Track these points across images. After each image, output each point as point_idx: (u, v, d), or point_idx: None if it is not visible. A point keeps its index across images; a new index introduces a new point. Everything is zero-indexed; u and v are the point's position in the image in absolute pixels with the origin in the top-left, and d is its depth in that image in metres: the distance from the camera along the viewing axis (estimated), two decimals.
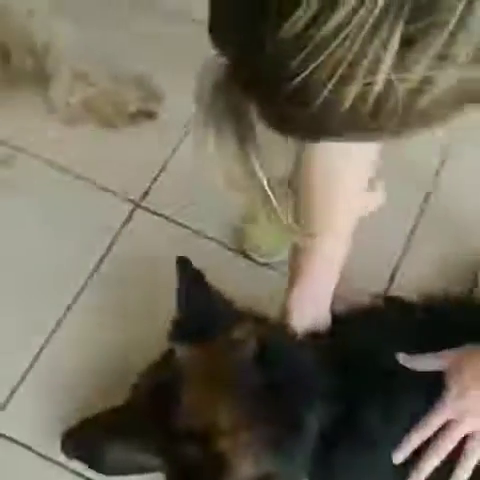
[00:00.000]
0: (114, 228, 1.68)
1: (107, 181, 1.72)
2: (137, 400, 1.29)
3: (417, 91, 0.58)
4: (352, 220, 1.27)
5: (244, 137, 0.70)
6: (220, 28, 0.63)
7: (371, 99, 0.58)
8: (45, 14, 1.66)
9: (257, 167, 0.72)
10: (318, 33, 0.55)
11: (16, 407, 1.48)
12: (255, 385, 1.17)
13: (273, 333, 1.25)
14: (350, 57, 0.56)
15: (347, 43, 0.55)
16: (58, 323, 1.56)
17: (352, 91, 0.57)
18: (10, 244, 1.63)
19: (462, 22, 0.55)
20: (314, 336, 1.27)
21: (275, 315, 1.30)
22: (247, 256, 1.65)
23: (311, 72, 0.57)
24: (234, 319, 1.27)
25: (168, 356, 1.28)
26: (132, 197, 1.72)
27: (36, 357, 1.52)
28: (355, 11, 0.54)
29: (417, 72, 0.57)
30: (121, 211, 1.70)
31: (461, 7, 0.54)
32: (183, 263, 1.34)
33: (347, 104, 0.58)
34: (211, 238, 1.69)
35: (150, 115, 1.81)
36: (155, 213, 1.71)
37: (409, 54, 0.56)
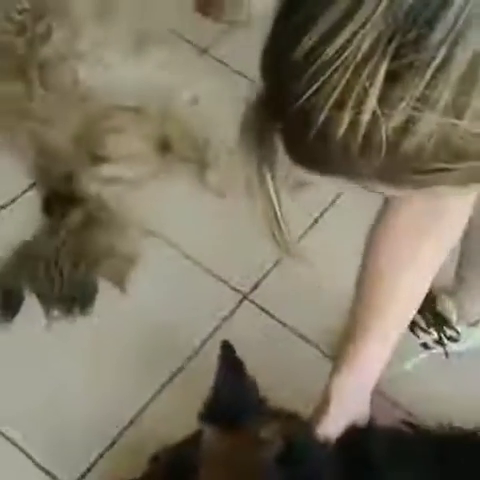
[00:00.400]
0: (220, 316, 1.75)
1: (222, 268, 1.82)
2: (155, 473, 1.32)
3: (401, 131, 0.63)
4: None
5: (263, 159, 0.75)
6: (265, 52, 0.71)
7: (360, 132, 0.63)
8: (209, 101, 1.79)
9: (271, 190, 0.77)
10: (320, 58, 0.62)
11: None
12: None
13: (300, 436, 1.24)
14: (343, 84, 0.62)
15: (341, 70, 0.61)
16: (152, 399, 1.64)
17: (345, 118, 0.62)
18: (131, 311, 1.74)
19: (443, 65, 0.60)
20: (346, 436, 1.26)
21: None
22: None
23: (311, 95, 0.63)
24: (264, 414, 1.29)
25: (197, 436, 1.29)
26: (242, 288, 1.80)
27: None
28: (349, 42, 0.60)
29: (401, 110, 0.61)
30: (230, 300, 1.78)
31: (444, 50, 0.59)
32: (226, 348, 1.36)
33: (340, 131, 0.63)
34: (310, 342, 1.72)
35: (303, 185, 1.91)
36: (261, 308, 1.78)
37: (394, 90, 0.61)
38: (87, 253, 1.73)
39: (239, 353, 1.64)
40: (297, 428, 1.26)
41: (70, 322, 1.70)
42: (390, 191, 0.76)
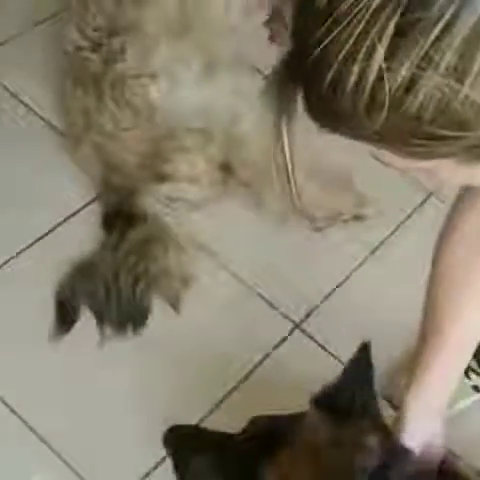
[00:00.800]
0: (270, 343, 1.75)
1: (275, 295, 1.82)
2: (247, 432, 1.34)
3: (404, 89, 0.66)
4: None
5: (282, 112, 0.79)
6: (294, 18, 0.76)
7: (367, 86, 0.67)
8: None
9: (286, 146, 0.81)
10: (339, 7, 0.66)
11: None
12: None
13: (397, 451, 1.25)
14: (355, 35, 0.66)
15: (355, 21, 0.66)
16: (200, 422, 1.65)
17: (354, 70, 0.66)
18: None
19: (448, 25, 0.63)
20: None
21: None
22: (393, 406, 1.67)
23: (327, 45, 0.68)
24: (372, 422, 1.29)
25: (300, 415, 1.31)
26: (294, 317, 1.79)
27: None
28: None
29: (405, 67, 0.65)
30: (281, 328, 1.78)
31: (451, 10, 0.63)
32: (366, 347, 1.34)
33: (350, 84, 0.67)
34: None
35: (360, 218, 1.91)
36: (312, 338, 1.78)
37: (400, 47, 0.65)
38: (146, 273, 1.73)
39: (288, 381, 1.66)
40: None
41: (122, 340, 1.71)
42: (398, 161, 0.77)
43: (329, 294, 1.83)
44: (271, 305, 1.81)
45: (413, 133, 0.70)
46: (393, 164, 0.79)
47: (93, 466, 1.57)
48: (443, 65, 0.64)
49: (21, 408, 1.63)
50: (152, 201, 1.81)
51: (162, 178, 1.80)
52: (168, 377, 1.67)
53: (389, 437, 1.27)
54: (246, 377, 1.71)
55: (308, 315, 1.81)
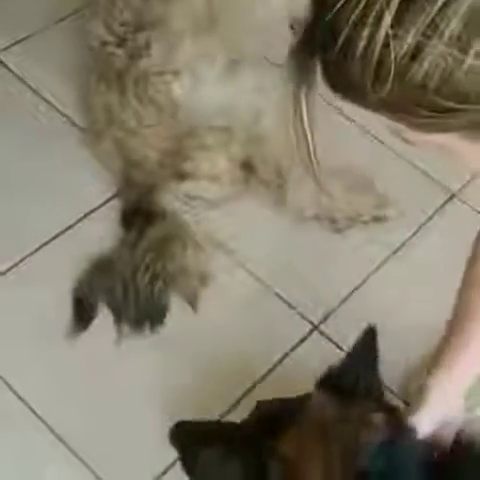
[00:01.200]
0: (289, 344, 1.74)
1: (294, 295, 1.81)
2: (252, 418, 1.35)
3: (409, 57, 0.68)
4: None
5: (301, 81, 0.81)
6: None
7: (376, 52, 0.69)
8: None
9: (305, 115, 0.83)
10: None
11: None
12: (359, 468, 1.20)
13: (402, 429, 1.26)
14: (364, 0, 0.69)
15: None
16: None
17: (363, 35, 0.69)
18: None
19: None
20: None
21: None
22: None
23: (339, 9, 0.70)
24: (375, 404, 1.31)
25: (305, 397, 1.32)
26: (312, 318, 1.78)
27: None
28: None
29: (412, 34, 0.67)
30: (299, 329, 1.77)
31: None
32: (371, 331, 1.37)
33: (359, 48, 0.70)
34: None
35: (380, 219, 1.90)
36: (330, 340, 1.77)
37: (407, 13, 0.67)
38: (164, 271, 1.72)
39: (306, 381, 1.65)
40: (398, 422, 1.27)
41: (140, 338, 1.71)
42: (410, 134, 0.79)
43: (348, 295, 1.82)
44: (289, 305, 1.80)
45: (419, 103, 0.72)
46: (407, 138, 0.81)
47: (109, 464, 1.57)
48: (447, 34, 0.66)
49: (38, 405, 1.63)
50: (171, 199, 1.80)
51: (183, 176, 1.80)
52: (186, 376, 1.67)
53: (394, 416, 1.28)
54: (264, 377, 1.70)
55: (326, 316, 1.80)
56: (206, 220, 1.84)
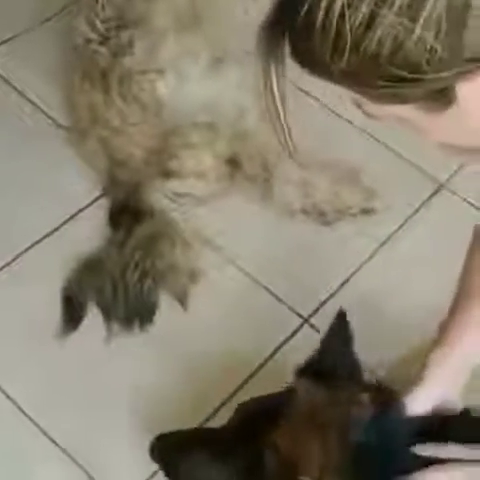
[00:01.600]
0: (280, 338, 1.75)
1: (284, 290, 1.81)
2: (235, 419, 1.34)
3: (363, 27, 0.72)
4: None
5: (270, 57, 0.84)
6: None
7: (333, 24, 0.73)
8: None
9: (275, 87, 0.85)
10: None
11: None
12: (353, 442, 1.21)
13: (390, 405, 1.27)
14: None
15: None
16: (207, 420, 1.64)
17: (322, 7, 0.73)
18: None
19: None
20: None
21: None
22: None
23: None
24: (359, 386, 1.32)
25: (286, 392, 1.33)
26: (302, 312, 1.79)
27: None
28: None
29: (365, 4, 0.71)
30: (290, 323, 1.77)
31: None
32: (342, 316, 1.40)
33: (319, 19, 0.73)
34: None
35: (368, 212, 1.91)
36: (320, 332, 1.77)
37: None
38: (153, 269, 1.72)
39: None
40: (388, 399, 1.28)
41: (129, 337, 1.71)
42: (371, 106, 0.83)
43: (338, 288, 1.82)
44: (279, 299, 1.81)
45: (375, 73, 0.75)
46: (369, 112, 0.85)
47: (99, 463, 1.57)
48: (398, 3, 0.70)
49: (27, 405, 1.63)
50: (158, 197, 1.80)
51: (168, 174, 1.80)
52: (177, 374, 1.67)
53: (380, 394, 1.29)
54: (256, 371, 1.71)
55: (316, 309, 1.80)
56: (194, 217, 1.84)
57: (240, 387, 1.68)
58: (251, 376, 1.70)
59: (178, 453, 1.34)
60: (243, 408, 1.36)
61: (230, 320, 1.75)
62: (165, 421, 1.55)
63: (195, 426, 1.58)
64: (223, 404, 1.65)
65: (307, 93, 2.03)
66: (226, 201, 1.90)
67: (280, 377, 1.67)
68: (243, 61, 1.86)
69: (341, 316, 1.39)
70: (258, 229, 1.90)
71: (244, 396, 1.65)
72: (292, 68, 0.83)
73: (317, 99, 2.06)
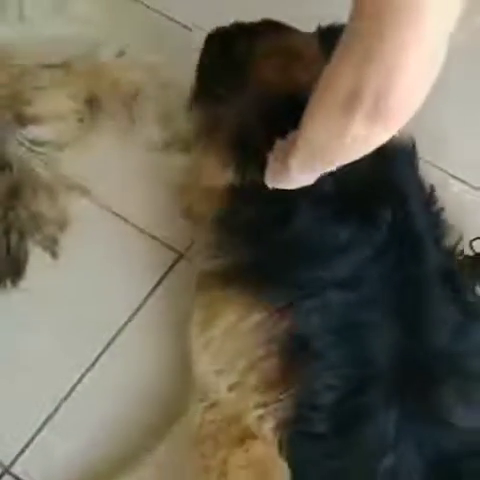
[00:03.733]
0: (157, 274, 1.74)
1: (156, 226, 1.80)
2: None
3: None
4: None
5: None
6: None
7: None
8: (136, 51, 1.72)
9: None
10: None
11: None
12: None
13: None
14: None
15: None
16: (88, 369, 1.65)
17: None
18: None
19: None
20: None
21: None
22: None
23: None
24: None
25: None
26: (177, 247, 1.78)
27: None
28: None
29: None
30: (166, 258, 1.77)
31: None
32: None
33: None
34: None
35: None
36: None
37: None
38: (18, 221, 1.66)
39: (177, 306, 1.66)
40: None
41: (3, 294, 1.66)
42: None
43: None
44: (154, 237, 1.78)
45: None
46: None
47: None
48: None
49: None
50: (16, 146, 1.72)
51: (25, 120, 1.71)
52: (51, 326, 1.66)
53: None
54: (137, 310, 1.70)
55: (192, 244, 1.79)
56: (56, 162, 1.77)
57: (122, 328, 1.68)
58: (133, 315, 1.69)
59: None
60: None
61: (104, 264, 1.73)
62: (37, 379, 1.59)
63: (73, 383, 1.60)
64: (106, 349, 1.66)
65: None
66: (89, 142, 1.82)
67: (164, 311, 1.68)
68: None
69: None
70: (124, 168, 1.84)
71: (129, 337, 1.65)
72: None
73: None
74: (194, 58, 1.67)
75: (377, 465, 1.29)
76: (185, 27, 1.99)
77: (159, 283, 1.74)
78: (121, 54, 1.76)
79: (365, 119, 1.01)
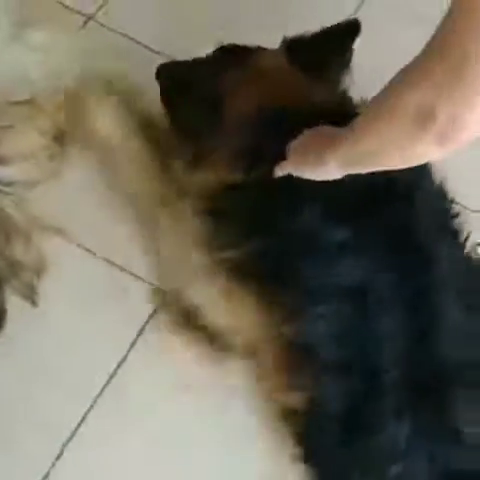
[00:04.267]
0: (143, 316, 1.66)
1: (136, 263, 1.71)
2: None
3: None
4: None
5: None
6: None
7: None
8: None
9: None
10: None
11: None
12: None
13: None
14: None
15: None
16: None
17: None
18: None
19: None
20: None
21: None
22: None
23: None
24: None
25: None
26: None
27: None
28: None
29: None
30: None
31: None
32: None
33: None
34: None
35: None
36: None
37: None
38: None
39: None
40: None
41: None
42: None
43: None
44: (135, 275, 1.70)
45: None
46: None
47: None
48: None
49: None
50: None
51: None
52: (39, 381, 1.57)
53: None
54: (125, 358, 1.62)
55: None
56: (26, 202, 1.66)
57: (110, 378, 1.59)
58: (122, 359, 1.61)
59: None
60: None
61: (87, 307, 1.64)
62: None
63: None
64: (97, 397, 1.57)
65: None
66: (60, 178, 1.72)
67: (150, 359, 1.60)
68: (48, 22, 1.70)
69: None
70: (99, 201, 1.74)
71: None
72: None
73: None
74: None
75: (386, 471, 1.30)
76: (149, 49, 1.92)
77: (147, 322, 1.65)
78: (86, 81, 1.67)
79: (434, 138, 0.97)
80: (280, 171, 1.38)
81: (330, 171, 1.24)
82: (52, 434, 1.53)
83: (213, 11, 1.89)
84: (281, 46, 1.56)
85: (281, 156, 1.36)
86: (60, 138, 1.67)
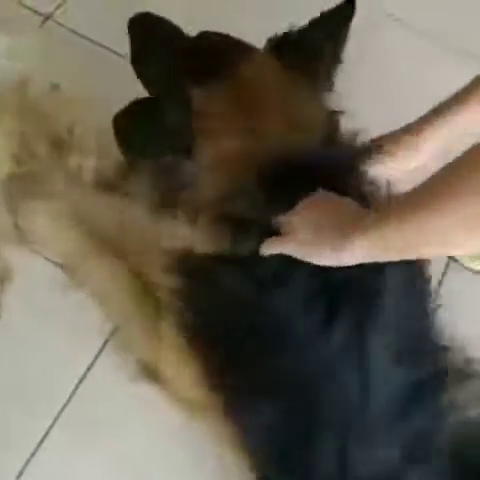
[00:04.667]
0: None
1: None
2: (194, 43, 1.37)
3: None
4: None
5: None
6: None
7: None
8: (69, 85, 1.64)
9: None
10: None
11: None
12: None
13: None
14: None
15: None
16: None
17: None
18: None
19: None
20: None
21: None
22: None
23: None
24: None
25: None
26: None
27: None
28: None
29: None
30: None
31: None
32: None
33: None
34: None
35: None
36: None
37: None
38: None
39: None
40: None
41: None
42: None
43: None
44: None
45: None
46: None
47: None
48: None
49: None
50: None
51: None
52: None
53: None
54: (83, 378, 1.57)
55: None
56: None
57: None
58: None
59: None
60: (206, 36, 1.37)
61: (49, 315, 1.59)
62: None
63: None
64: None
65: None
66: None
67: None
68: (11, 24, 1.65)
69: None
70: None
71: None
72: None
73: None
74: (129, 87, 1.57)
75: None
76: (117, 54, 1.88)
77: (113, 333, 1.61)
78: (55, 87, 1.63)
79: None
80: (270, 249, 1.13)
81: (350, 257, 1.03)
82: (15, 450, 1.50)
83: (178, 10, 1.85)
84: (267, 46, 1.39)
85: (269, 229, 1.13)
86: (26, 143, 1.61)
